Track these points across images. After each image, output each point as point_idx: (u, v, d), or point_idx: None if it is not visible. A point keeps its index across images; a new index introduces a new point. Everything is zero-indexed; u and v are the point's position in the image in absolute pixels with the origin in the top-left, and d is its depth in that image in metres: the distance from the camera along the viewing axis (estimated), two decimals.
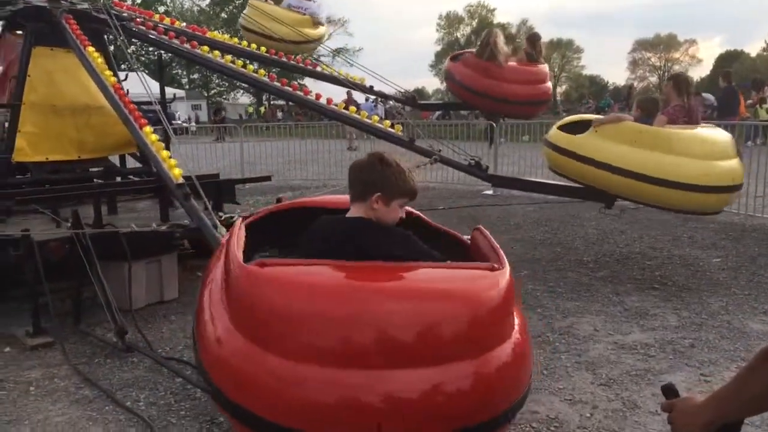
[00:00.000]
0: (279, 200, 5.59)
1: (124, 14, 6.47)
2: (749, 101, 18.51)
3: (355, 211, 2.48)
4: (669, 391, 1.58)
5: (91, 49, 5.50)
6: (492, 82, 7.31)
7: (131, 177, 6.38)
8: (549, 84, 7.79)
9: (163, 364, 3.68)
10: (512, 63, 7.62)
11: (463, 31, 61.66)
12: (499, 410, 2.08)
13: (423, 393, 1.92)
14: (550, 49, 63.77)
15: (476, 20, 61.25)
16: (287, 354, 1.98)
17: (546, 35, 68.69)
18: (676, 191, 5.08)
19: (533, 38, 8.01)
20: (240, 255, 2.35)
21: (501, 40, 7.36)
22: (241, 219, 2.93)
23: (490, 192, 10.27)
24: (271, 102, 50.35)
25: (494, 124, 11.59)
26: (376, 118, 6.72)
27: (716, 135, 5.39)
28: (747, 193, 7.69)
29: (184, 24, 6.87)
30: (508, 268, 2.21)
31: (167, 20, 6.69)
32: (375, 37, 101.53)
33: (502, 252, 2.34)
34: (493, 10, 65.29)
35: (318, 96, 6.65)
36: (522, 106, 7.67)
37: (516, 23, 62.14)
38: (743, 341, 4.00)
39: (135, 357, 3.86)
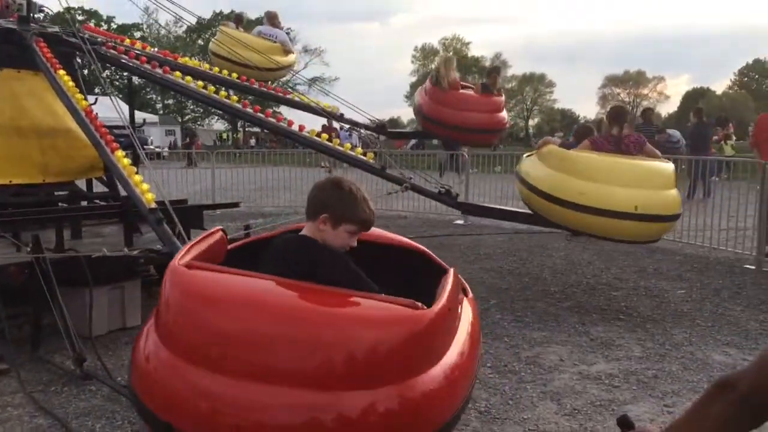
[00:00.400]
0: (247, 227, 5.57)
1: (98, 39, 6.45)
2: (715, 137, 19.02)
3: (305, 230, 2.50)
4: (624, 422, 1.58)
5: (62, 72, 5.46)
6: (442, 109, 7.49)
7: (97, 201, 6.29)
8: (502, 114, 7.93)
9: (121, 393, 3.58)
10: (469, 92, 7.83)
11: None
12: None
13: (306, 417, 1.93)
14: (522, 83, 65.07)
15: (451, 53, 62.22)
16: (189, 358, 2.07)
17: (519, 69, 70.08)
18: (586, 215, 5.13)
19: (491, 71, 8.44)
20: (184, 257, 2.37)
21: (448, 65, 7.60)
22: (218, 230, 2.89)
23: (461, 222, 10.33)
24: (246, 129, 50.38)
25: (465, 154, 11.73)
26: (348, 145, 6.76)
27: (639, 165, 5.27)
28: (711, 227, 7.87)
29: (156, 49, 6.87)
30: (434, 311, 2.17)
31: (138, 45, 6.67)
32: (352, 67, 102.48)
33: (444, 297, 2.32)
34: (468, 43, 66.77)
35: (290, 123, 6.67)
36: (473, 134, 7.83)
37: (490, 57, 63.32)
38: (706, 372, 4.03)
39: (93, 385, 3.76)
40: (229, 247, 2.97)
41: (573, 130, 6.96)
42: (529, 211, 5.99)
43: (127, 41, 6.65)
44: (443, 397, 2.17)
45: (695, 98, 56.65)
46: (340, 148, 6.58)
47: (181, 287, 2.24)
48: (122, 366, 4.08)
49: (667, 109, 64.77)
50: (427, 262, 3.20)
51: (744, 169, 9.66)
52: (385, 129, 8.10)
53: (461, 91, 7.72)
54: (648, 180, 5.13)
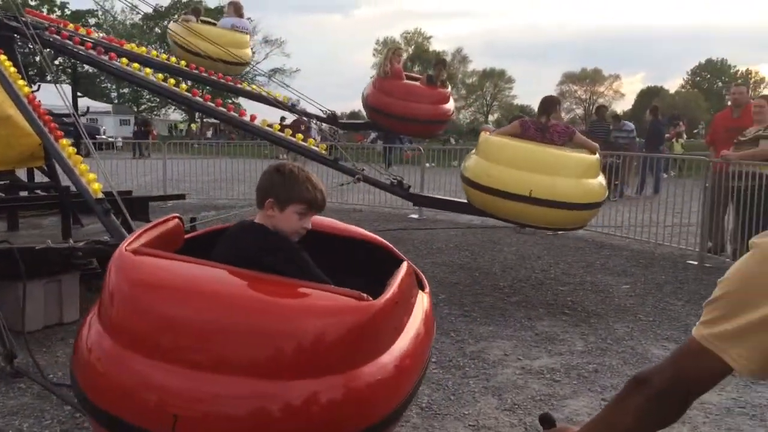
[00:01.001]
0: (193, 219, 5.46)
1: (42, 24, 6.25)
2: (667, 135, 19.50)
3: (257, 218, 2.49)
4: (546, 420, 1.58)
5: (2, 57, 5.28)
6: (385, 98, 7.53)
7: (38, 192, 6.09)
8: (447, 106, 7.96)
9: (52, 390, 3.46)
10: (412, 83, 7.87)
11: None
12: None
13: (250, 406, 1.93)
14: (483, 79, 65.56)
15: (413, 47, 62.28)
16: (133, 347, 2.04)
17: (479, 65, 70.61)
18: (495, 198, 5.40)
19: (437, 63, 8.47)
20: (132, 243, 2.33)
21: (389, 54, 7.65)
22: (174, 217, 2.84)
23: (415, 216, 10.35)
24: (204, 120, 49.51)
25: (420, 149, 11.75)
26: (300, 136, 6.74)
27: (546, 151, 5.38)
28: (657, 223, 8.04)
29: (102, 35, 6.70)
30: (380, 302, 2.17)
31: (83, 30, 6.49)
32: (314, 59, 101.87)
33: (392, 289, 2.32)
34: (429, 37, 66.80)
35: (242, 113, 6.60)
36: (416, 125, 7.88)
37: (451, 51, 63.60)
38: (645, 366, 4.09)
39: (24, 383, 3.63)
40: (187, 236, 2.92)
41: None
42: None
43: (71, 26, 6.44)
44: (388, 388, 2.16)
45: (650, 96, 57.85)
46: (292, 139, 6.56)
47: (125, 273, 2.18)
48: (56, 363, 3.95)
49: (623, 106, 65.89)
50: (388, 255, 3.20)
51: (689, 167, 9.90)
52: (337, 120, 8.06)
53: (406, 82, 7.74)
54: (556, 167, 5.25)
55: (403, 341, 2.36)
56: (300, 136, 6.69)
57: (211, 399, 1.93)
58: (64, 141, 4.65)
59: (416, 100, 7.57)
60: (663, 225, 7.96)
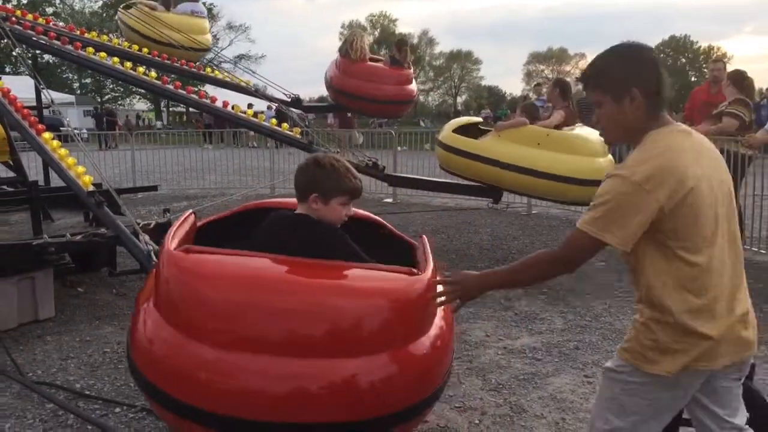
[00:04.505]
0: (167, 210, 5.37)
1: (3, 14, 6.07)
2: None
3: (299, 210, 2.56)
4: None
5: None
6: (351, 81, 7.54)
7: (5, 188, 5.93)
8: (411, 86, 8.01)
9: (33, 389, 3.40)
10: (377, 65, 7.87)
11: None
12: (414, 400, 2.24)
13: (330, 382, 2.03)
14: (450, 60, 65.54)
15: (378, 30, 61.96)
16: (201, 338, 2.08)
17: (446, 46, 70.57)
18: (567, 185, 5.65)
19: (399, 44, 8.37)
20: (173, 243, 2.36)
21: (361, 40, 7.63)
22: (190, 213, 2.90)
23: (389, 200, 10.35)
24: (170, 108, 48.77)
25: (392, 131, 11.72)
26: (274, 121, 6.70)
27: (592, 135, 5.85)
28: None
29: (62, 24, 6.54)
30: (427, 274, 2.31)
31: (41, 20, 6.32)
32: (279, 44, 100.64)
33: (430, 259, 2.46)
34: (395, 20, 66.45)
35: (213, 99, 6.52)
36: (381, 105, 7.93)
37: (417, 34, 63.42)
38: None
39: (2, 382, 3.56)
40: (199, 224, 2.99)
41: (518, 108, 7.18)
42: (450, 182, 6.49)
43: (29, 16, 6.26)
44: (441, 357, 2.39)
45: None
46: (266, 124, 6.53)
47: (188, 271, 2.21)
48: (34, 361, 3.88)
49: None
50: (382, 231, 3.33)
51: None
52: (300, 103, 8.00)
53: (369, 63, 7.77)
54: (603, 149, 5.91)
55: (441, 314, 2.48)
56: (274, 120, 6.66)
57: (290, 380, 2.02)
58: (47, 134, 4.56)
59: (381, 81, 7.61)
60: None
